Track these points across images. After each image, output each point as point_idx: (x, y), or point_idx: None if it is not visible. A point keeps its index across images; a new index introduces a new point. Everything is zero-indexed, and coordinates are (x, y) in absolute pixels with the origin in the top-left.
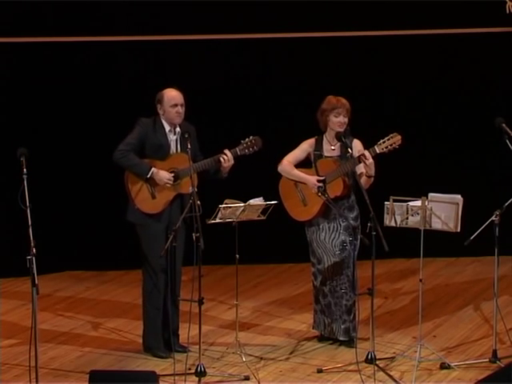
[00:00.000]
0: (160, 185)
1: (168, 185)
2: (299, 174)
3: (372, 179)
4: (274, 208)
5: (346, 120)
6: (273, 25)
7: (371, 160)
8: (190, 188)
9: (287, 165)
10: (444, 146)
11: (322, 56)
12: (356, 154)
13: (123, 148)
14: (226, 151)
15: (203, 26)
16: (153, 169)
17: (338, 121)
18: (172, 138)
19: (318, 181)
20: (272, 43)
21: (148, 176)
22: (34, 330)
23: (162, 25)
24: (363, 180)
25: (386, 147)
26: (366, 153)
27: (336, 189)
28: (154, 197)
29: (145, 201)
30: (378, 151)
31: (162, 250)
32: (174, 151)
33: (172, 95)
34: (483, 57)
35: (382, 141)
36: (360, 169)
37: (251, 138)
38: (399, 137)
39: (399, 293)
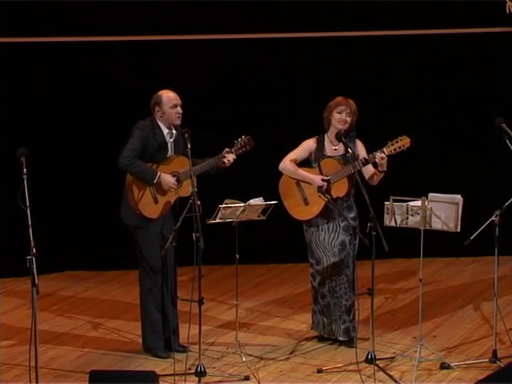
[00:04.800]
0: (163, 189)
1: (172, 189)
2: (303, 173)
3: (383, 173)
4: (274, 208)
5: (349, 120)
6: (273, 25)
7: (386, 158)
8: (190, 188)
9: (290, 164)
10: (444, 146)
11: (322, 56)
12: (359, 156)
13: (129, 155)
14: (230, 154)
15: (203, 26)
16: (159, 173)
17: (339, 117)
18: (169, 140)
19: (323, 180)
20: (272, 43)
21: (155, 181)
22: (33, 330)
23: (161, 25)
24: (375, 175)
25: (395, 149)
26: (383, 155)
27: (341, 189)
28: (156, 201)
29: (147, 206)
30: (386, 153)
31: (162, 251)
32: (171, 153)
33: (171, 96)
34: (483, 57)
35: (390, 143)
36: (367, 170)
37: (244, 137)
38: (408, 139)
39: (399, 293)
